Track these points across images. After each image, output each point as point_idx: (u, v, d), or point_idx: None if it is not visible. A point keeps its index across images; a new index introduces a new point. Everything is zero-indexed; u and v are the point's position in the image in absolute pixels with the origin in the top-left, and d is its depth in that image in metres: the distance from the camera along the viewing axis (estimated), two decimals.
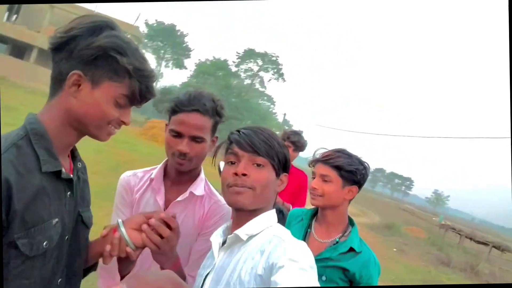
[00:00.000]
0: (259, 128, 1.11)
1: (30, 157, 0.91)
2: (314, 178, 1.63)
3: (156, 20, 53.17)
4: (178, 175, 1.42)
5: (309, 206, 1.92)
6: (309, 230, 1.65)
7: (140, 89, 0.99)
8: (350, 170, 1.56)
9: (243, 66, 50.23)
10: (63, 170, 0.97)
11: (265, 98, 54.53)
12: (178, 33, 51.09)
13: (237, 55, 49.73)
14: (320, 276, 1.48)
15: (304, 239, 1.63)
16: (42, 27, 24.16)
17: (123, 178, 1.48)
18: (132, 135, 17.39)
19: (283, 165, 1.12)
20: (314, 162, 1.65)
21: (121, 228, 1.09)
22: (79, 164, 1.10)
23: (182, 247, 1.27)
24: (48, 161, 0.92)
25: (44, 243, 0.92)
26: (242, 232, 1.05)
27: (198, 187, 1.42)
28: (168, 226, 1.13)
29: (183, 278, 1.24)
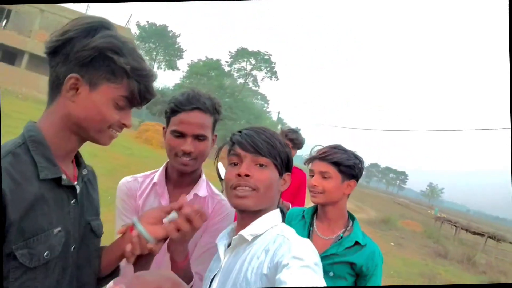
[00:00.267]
0: (261, 128, 1.11)
1: (28, 164, 0.88)
2: (312, 176, 1.63)
3: (147, 21, 52.89)
4: (180, 177, 1.41)
5: (308, 204, 1.93)
6: (311, 228, 1.66)
7: (139, 89, 0.96)
8: (348, 165, 1.58)
9: (236, 66, 50.15)
10: (64, 177, 0.94)
11: (259, 97, 54.57)
12: (170, 34, 50.79)
13: (229, 55, 49.65)
14: (327, 272, 1.49)
15: (307, 238, 1.63)
16: (32, 31, 23.91)
17: (124, 183, 1.47)
18: (126, 138, 17.29)
19: (285, 165, 1.12)
20: (311, 160, 1.66)
21: (138, 226, 1.06)
22: (84, 171, 1.07)
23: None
24: (47, 168, 0.90)
25: (45, 253, 0.88)
26: (247, 232, 1.05)
27: (201, 189, 1.42)
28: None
29: (190, 272, 1.24)
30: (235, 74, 50.29)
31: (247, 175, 1.04)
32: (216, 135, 1.45)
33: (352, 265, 1.54)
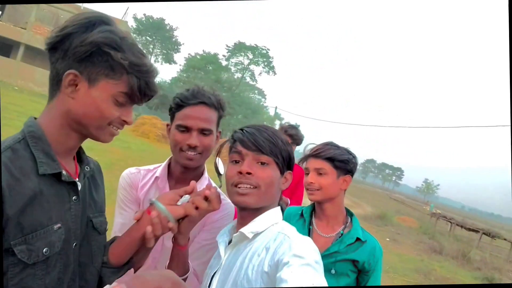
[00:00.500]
0: (263, 126, 1.11)
1: (27, 160, 0.87)
2: (307, 174, 1.65)
3: (144, 14, 52.67)
4: (183, 173, 1.41)
5: (305, 201, 1.92)
6: (310, 227, 1.66)
7: (139, 85, 0.95)
8: (342, 160, 1.61)
9: (233, 60, 50.06)
10: (64, 172, 0.93)
11: (256, 91, 54.46)
12: (167, 27, 50.52)
13: (227, 49, 49.50)
14: (329, 270, 1.50)
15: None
16: (28, 23, 23.67)
17: (127, 174, 1.47)
18: (123, 132, 17.13)
19: (287, 163, 1.12)
20: (305, 158, 1.68)
21: (159, 205, 1.07)
22: (87, 168, 1.06)
23: None
24: (46, 163, 0.89)
25: (44, 250, 0.87)
26: (248, 230, 1.05)
27: (203, 186, 1.41)
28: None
29: (188, 262, 1.24)
30: (233, 69, 50.25)
31: (248, 173, 1.04)
32: (220, 131, 1.45)
33: (354, 262, 1.55)
